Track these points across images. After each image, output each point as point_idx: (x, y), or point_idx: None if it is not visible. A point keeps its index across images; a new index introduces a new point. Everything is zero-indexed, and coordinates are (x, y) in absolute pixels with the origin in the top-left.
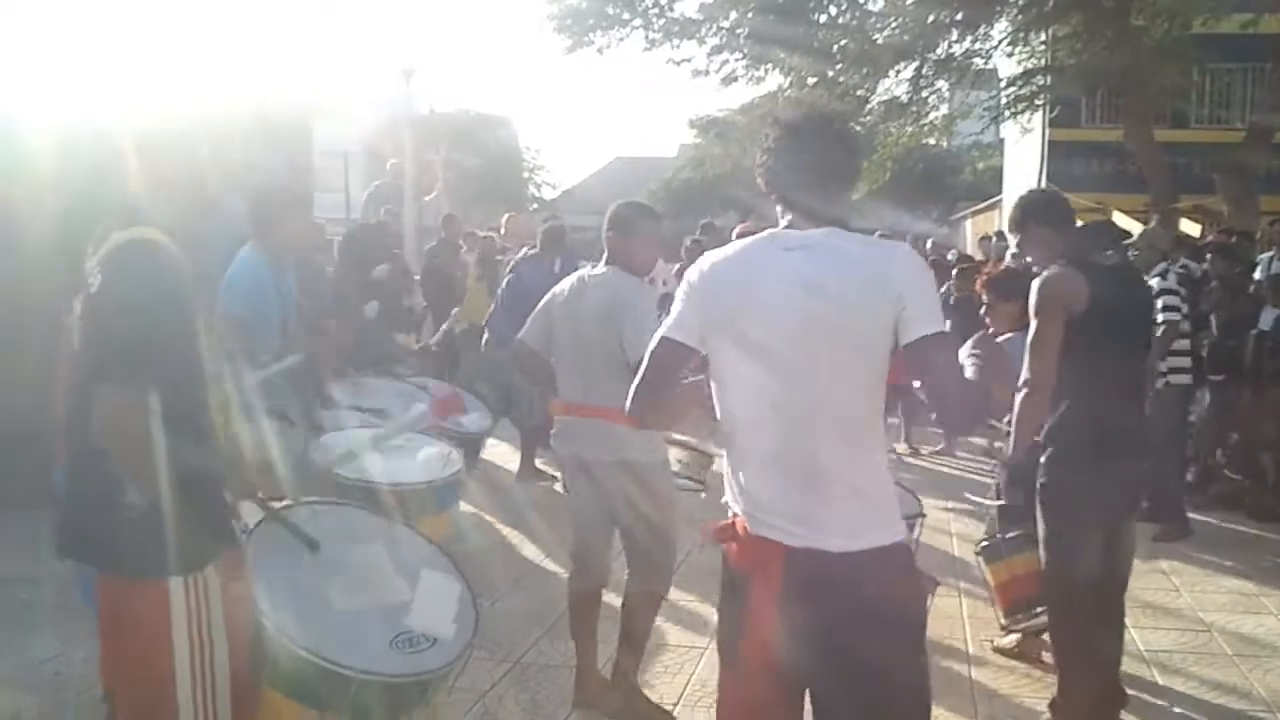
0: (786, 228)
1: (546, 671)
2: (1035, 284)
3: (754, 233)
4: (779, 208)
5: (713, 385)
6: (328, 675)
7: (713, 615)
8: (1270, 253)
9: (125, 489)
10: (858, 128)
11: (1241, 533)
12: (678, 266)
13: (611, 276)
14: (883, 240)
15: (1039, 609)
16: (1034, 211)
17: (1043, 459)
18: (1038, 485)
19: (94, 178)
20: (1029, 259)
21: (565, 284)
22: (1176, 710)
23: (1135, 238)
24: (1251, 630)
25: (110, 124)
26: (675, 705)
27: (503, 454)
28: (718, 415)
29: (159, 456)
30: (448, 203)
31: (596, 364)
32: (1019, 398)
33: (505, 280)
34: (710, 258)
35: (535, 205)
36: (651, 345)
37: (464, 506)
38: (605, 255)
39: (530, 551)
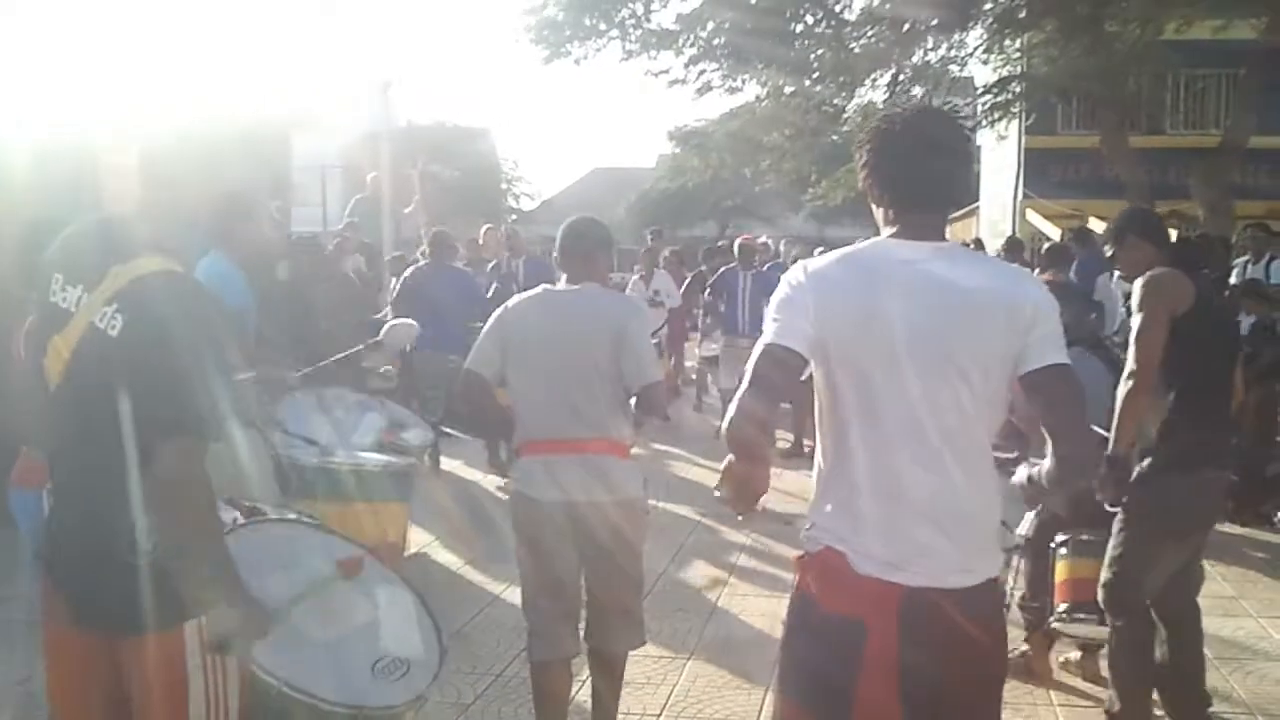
0: (894, 237)
1: (529, 684)
2: (1140, 281)
3: (759, 243)
4: (879, 212)
5: (820, 390)
6: (324, 715)
7: (693, 625)
8: (1245, 258)
9: (141, 539)
10: (835, 138)
11: (1220, 534)
12: (639, 275)
13: (595, 292)
14: (1009, 264)
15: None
16: (1134, 225)
17: (1143, 467)
18: (1133, 493)
19: (69, 191)
20: (1124, 273)
21: (522, 303)
22: (1157, 714)
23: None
24: (1231, 633)
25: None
26: (658, 716)
27: (466, 470)
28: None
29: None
30: (425, 215)
31: (584, 390)
32: (1122, 390)
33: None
34: (816, 264)
35: (514, 216)
36: (757, 352)
37: (438, 522)
38: (573, 272)
39: (507, 564)
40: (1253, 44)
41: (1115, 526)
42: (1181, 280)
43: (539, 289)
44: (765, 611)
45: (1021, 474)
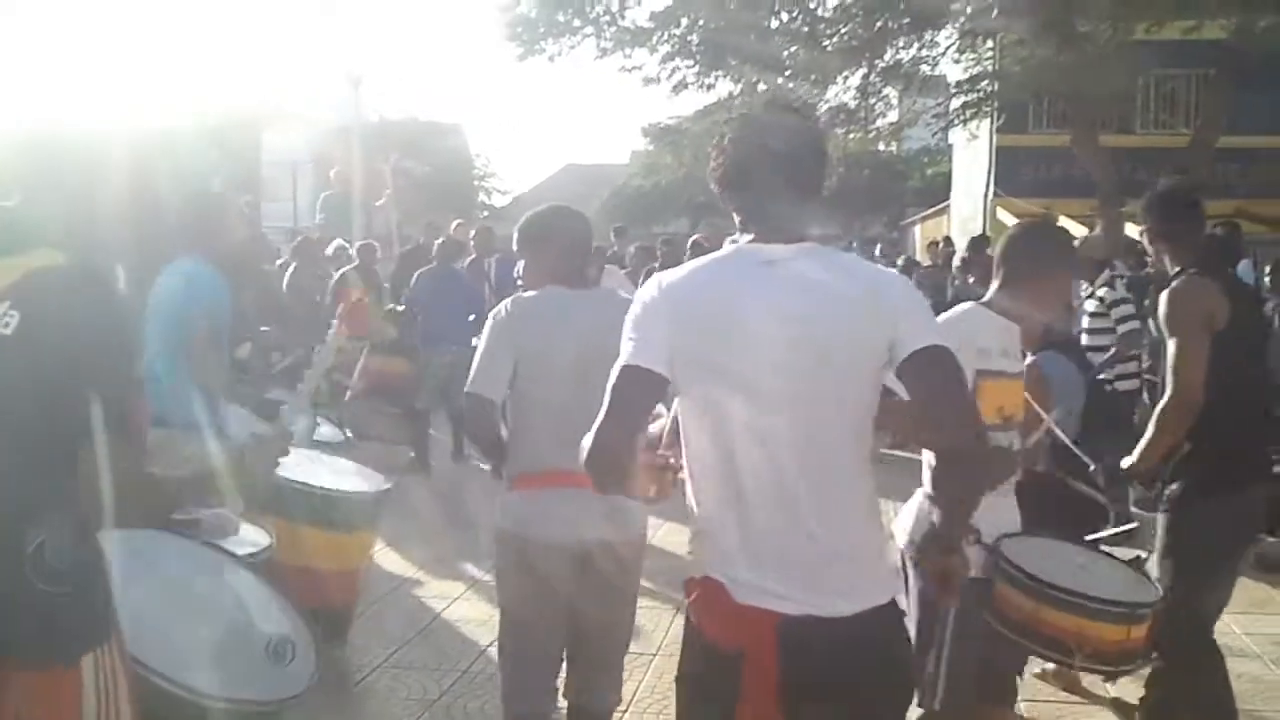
0: (753, 241)
1: (495, 680)
2: (1165, 296)
3: (709, 242)
4: (737, 219)
5: (680, 424)
6: (249, 716)
7: (659, 621)
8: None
9: (51, 558)
10: None
11: None
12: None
13: (613, 300)
14: (866, 261)
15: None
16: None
17: (1174, 491)
18: (1170, 523)
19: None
20: (1156, 259)
21: (528, 307)
22: (1137, 718)
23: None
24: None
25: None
26: (625, 712)
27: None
28: (682, 463)
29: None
30: (396, 211)
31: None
32: (1163, 406)
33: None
34: (670, 276)
35: (486, 213)
36: (613, 376)
37: (404, 518)
38: (576, 275)
39: (472, 560)
40: (1223, 44)
41: (1157, 554)
42: (1209, 289)
43: (547, 289)
44: None
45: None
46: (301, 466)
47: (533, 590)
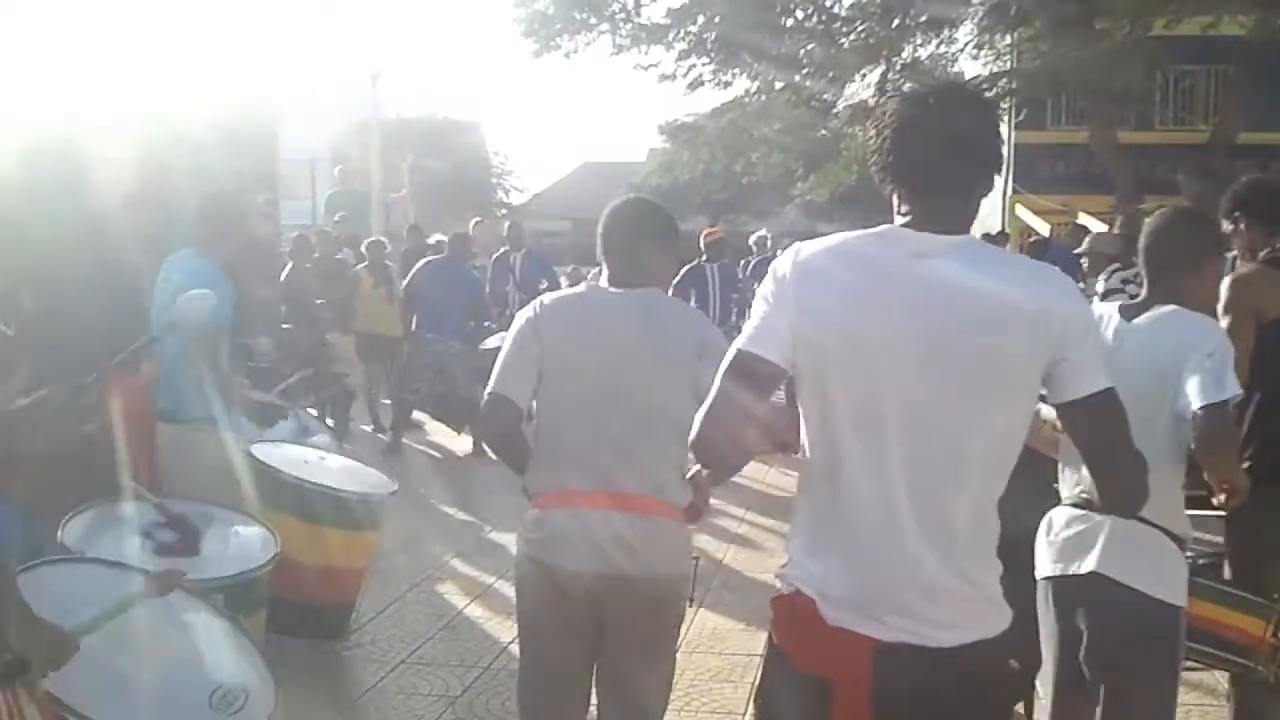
0: (905, 226)
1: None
2: (1227, 281)
3: (721, 237)
4: (895, 200)
5: (800, 403)
6: None
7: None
8: (1233, 253)
9: None
10: (824, 132)
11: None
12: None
13: (667, 302)
14: (1035, 262)
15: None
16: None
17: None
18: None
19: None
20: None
21: (562, 304)
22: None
23: (1083, 245)
24: None
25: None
26: None
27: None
28: (804, 454)
29: None
30: (414, 208)
31: (642, 429)
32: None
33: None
34: (809, 249)
35: (503, 210)
36: (727, 361)
37: (425, 514)
38: (623, 269)
39: (494, 557)
40: (1241, 40)
41: (1231, 557)
42: (1271, 279)
43: (582, 286)
44: (754, 604)
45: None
46: (311, 465)
47: (549, 624)
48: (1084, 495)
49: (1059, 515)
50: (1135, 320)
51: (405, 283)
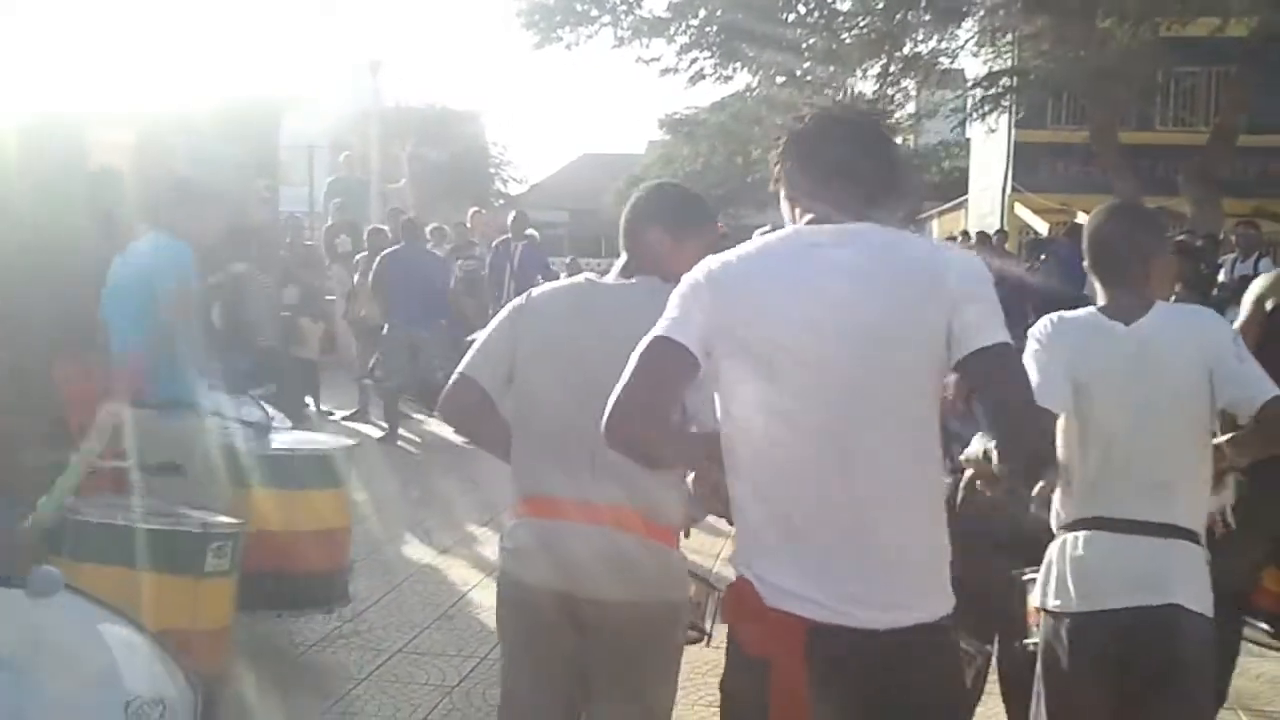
0: (810, 223)
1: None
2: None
3: (725, 234)
4: (797, 211)
5: (718, 411)
6: None
7: None
8: (1234, 255)
9: None
10: None
11: None
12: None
13: (656, 292)
14: (926, 239)
15: None
16: None
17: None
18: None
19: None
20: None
21: (551, 294)
22: None
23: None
24: None
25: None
26: None
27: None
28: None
29: None
30: (413, 197)
31: None
32: None
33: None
34: (719, 258)
35: (501, 201)
36: (641, 347)
37: (423, 504)
38: (630, 258)
39: (492, 546)
40: (1243, 41)
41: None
42: None
43: (579, 277)
44: None
45: (975, 447)
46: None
47: (524, 647)
48: (1112, 515)
49: (1091, 540)
50: (1135, 324)
51: (371, 275)
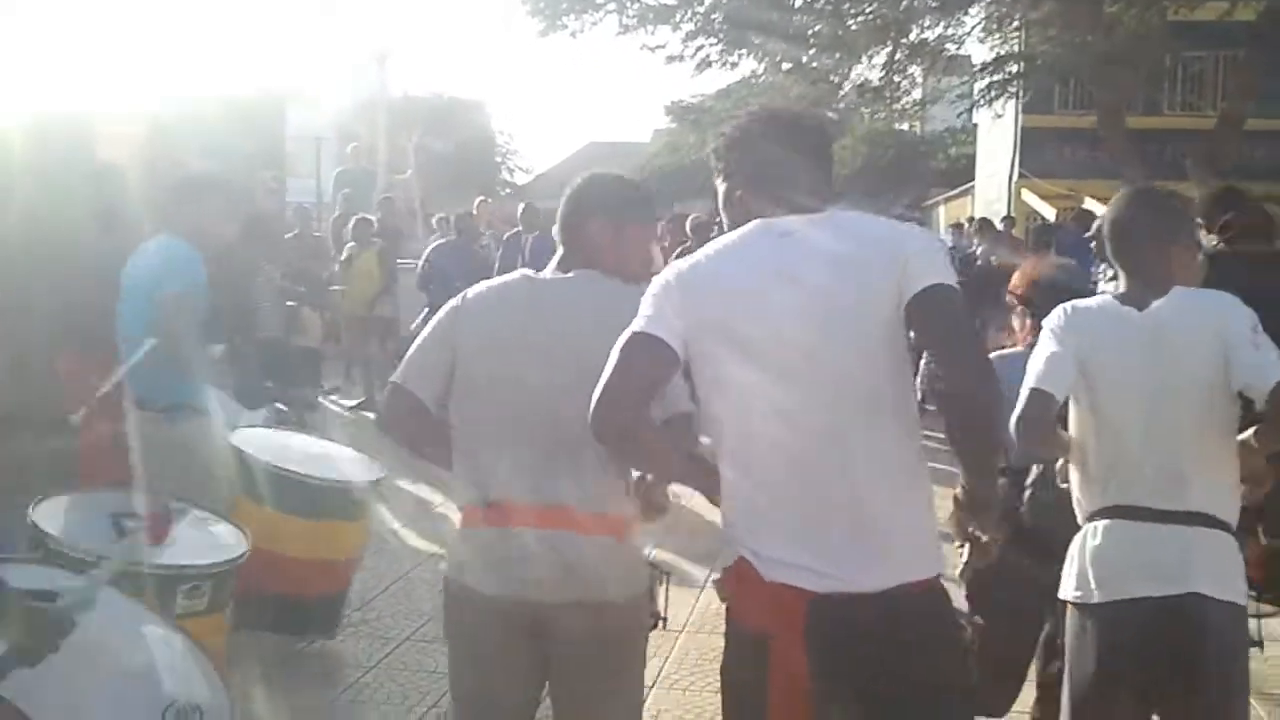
0: (767, 216)
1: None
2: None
3: (703, 221)
4: (745, 205)
5: (700, 402)
6: None
7: (685, 599)
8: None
9: None
10: (831, 113)
11: None
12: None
13: (597, 286)
14: (888, 220)
15: None
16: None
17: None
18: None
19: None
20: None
21: (486, 293)
22: None
23: (1094, 229)
24: None
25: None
26: (650, 688)
27: None
28: (707, 442)
29: None
30: (419, 187)
31: (569, 433)
32: None
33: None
34: (686, 260)
35: (508, 190)
36: (621, 341)
37: (431, 492)
38: (567, 251)
39: None
40: (1250, 25)
41: None
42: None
43: (516, 274)
44: None
45: None
46: (293, 452)
47: (475, 658)
48: (1127, 503)
49: (1110, 530)
50: (1150, 309)
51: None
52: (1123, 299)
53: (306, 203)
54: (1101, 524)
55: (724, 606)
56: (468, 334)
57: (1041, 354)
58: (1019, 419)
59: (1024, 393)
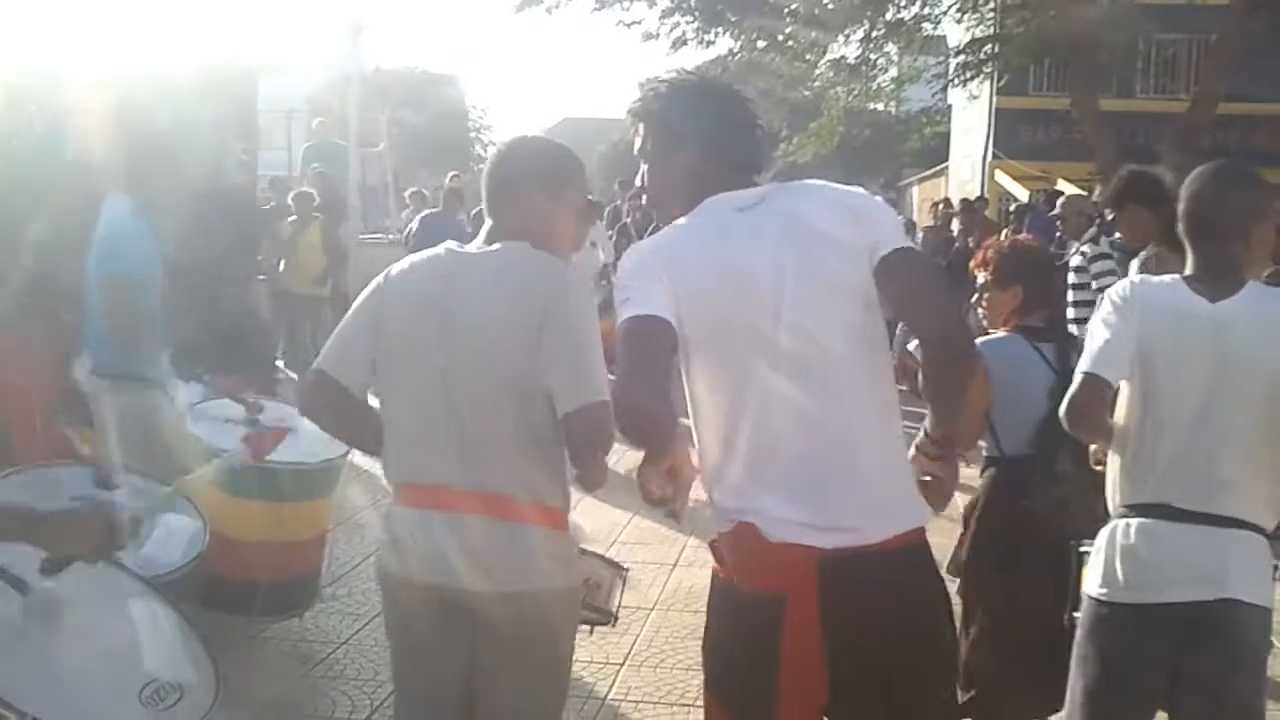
0: (723, 191)
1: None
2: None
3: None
4: (700, 187)
5: (686, 377)
6: None
7: (656, 576)
8: None
9: None
10: (806, 93)
11: None
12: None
13: (523, 258)
14: (829, 183)
15: None
16: (1131, 191)
17: None
18: None
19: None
20: (1121, 238)
21: (408, 269)
22: None
23: (1059, 207)
24: None
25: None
26: (621, 666)
27: None
28: (689, 416)
29: None
30: (392, 160)
31: (489, 413)
32: None
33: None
34: (650, 242)
35: (480, 165)
36: (624, 327)
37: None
38: (497, 222)
39: None
40: (1225, 9)
41: None
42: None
43: (440, 247)
44: None
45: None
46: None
47: (406, 640)
48: (1166, 502)
49: (1145, 529)
50: (1220, 304)
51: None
52: (1192, 284)
53: (280, 175)
54: (1136, 522)
55: (694, 584)
56: (393, 310)
57: (1100, 331)
58: (1069, 405)
59: (1078, 376)
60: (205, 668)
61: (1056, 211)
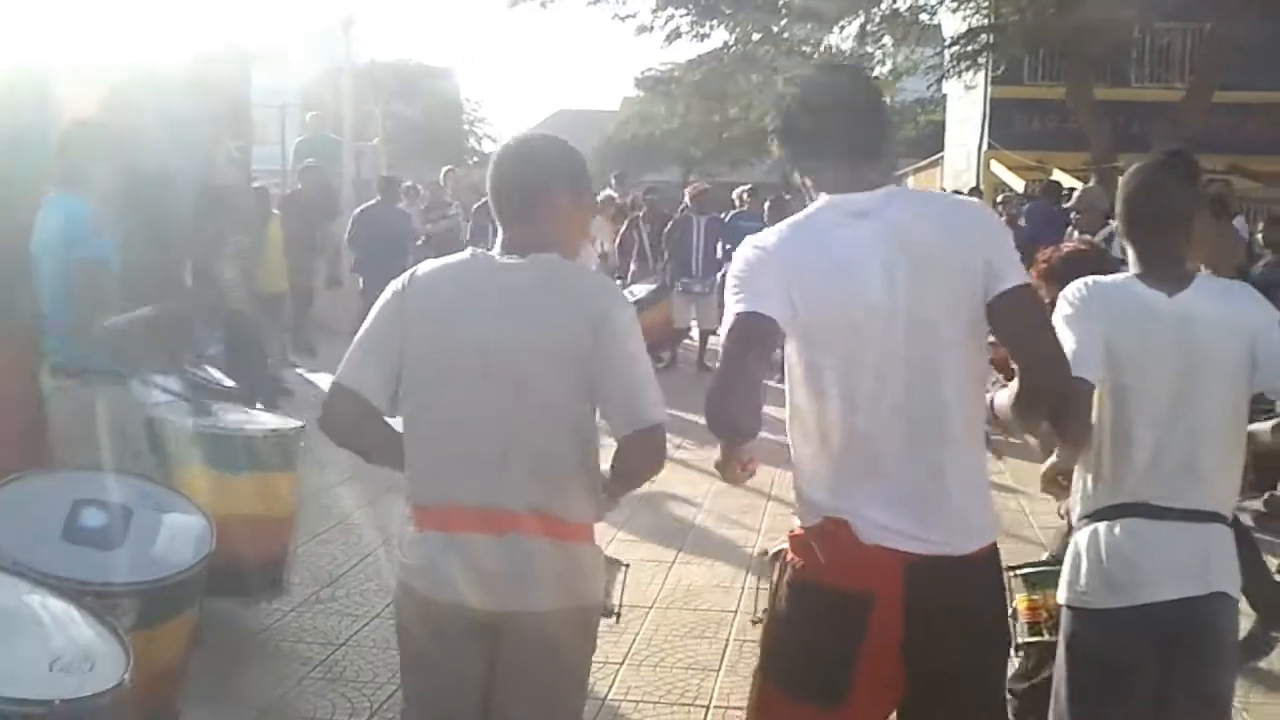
0: (833, 194)
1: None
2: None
3: (704, 191)
4: (808, 181)
5: (789, 373)
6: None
7: (655, 575)
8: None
9: None
10: None
11: None
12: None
13: (563, 276)
14: (950, 195)
15: None
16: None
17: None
18: None
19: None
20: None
21: (434, 278)
22: None
23: (1074, 200)
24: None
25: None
26: (620, 664)
27: None
28: (790, 410)
29: None
30: (386, 154)
31: (529, 432)
32: None
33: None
34: (764, 237)
35: (475, 159)
36: (727, 328)
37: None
38: (520, 231)
39: None
40: None
41: None
42: None
43: (466, 253)
44: (726, 562)
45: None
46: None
47: (426, 663)
48: (1144, 501)
49: (1127, 530)
50: (1177, 298)
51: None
52: (1146, 280)
53: (274, 169)
54: (1118, 523)
55: (693, 582)
56: (420, 319)
57: (1069, 335)
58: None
59: None
60: (109, 638)
61: (1071, 204)
